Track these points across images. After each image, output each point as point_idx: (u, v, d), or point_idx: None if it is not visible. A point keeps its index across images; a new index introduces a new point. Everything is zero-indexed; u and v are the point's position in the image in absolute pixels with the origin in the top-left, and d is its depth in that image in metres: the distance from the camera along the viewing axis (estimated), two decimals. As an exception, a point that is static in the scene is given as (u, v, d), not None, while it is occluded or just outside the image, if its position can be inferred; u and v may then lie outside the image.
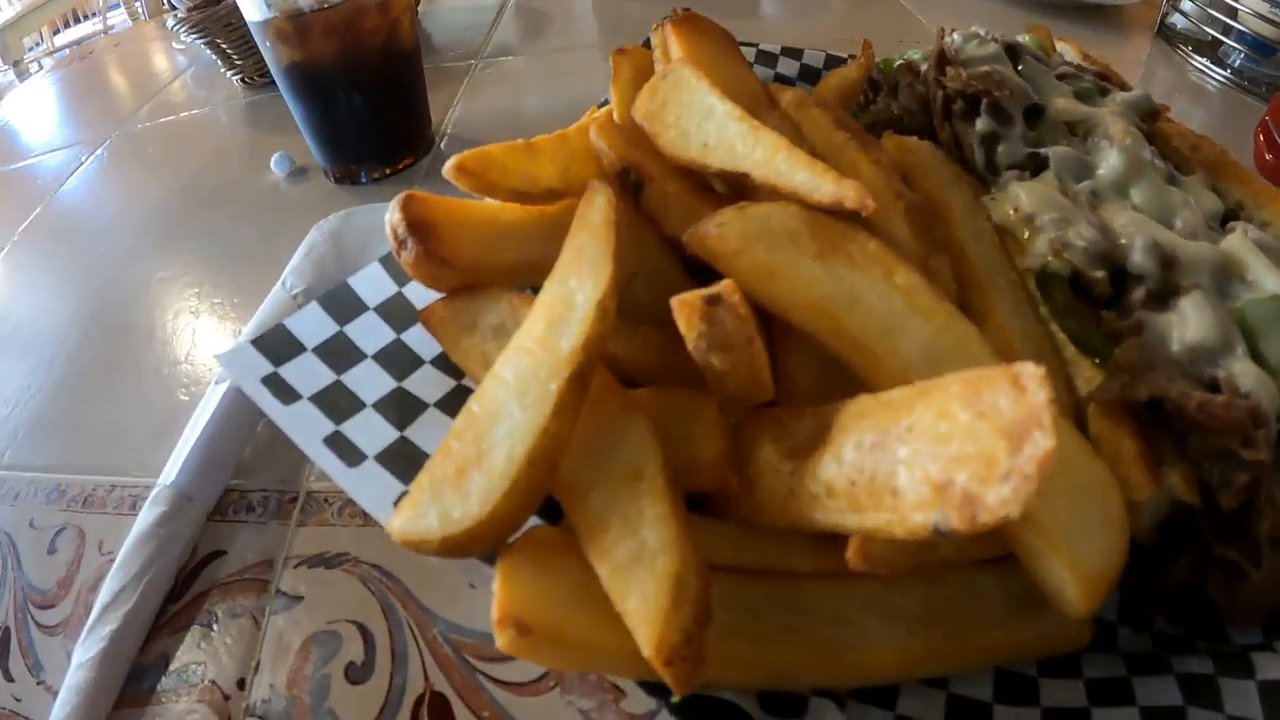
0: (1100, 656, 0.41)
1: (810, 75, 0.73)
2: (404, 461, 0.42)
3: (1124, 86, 0.64)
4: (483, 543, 0.34)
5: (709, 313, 0.33)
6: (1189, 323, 0.44)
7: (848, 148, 0.47)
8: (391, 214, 0.44)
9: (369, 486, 0.40)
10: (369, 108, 0.78)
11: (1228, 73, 1.07)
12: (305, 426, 0.41)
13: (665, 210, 0.46)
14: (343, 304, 0.47)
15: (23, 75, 1.58)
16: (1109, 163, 0.54)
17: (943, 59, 0.57)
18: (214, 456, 0.58)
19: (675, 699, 0.33)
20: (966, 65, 0.58)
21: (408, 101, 0.84)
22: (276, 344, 0.44)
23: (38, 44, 2.03)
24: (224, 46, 1.05)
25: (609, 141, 0.48)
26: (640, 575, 0.31)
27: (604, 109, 0.58)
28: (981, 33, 0.63)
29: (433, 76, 1.02)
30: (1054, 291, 0.47)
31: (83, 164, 1.10)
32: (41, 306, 0.85)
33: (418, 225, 0.44)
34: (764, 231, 0.39)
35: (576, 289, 0.37)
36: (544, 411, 0.34)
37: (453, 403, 0.45)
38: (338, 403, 0.43)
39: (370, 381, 0.45)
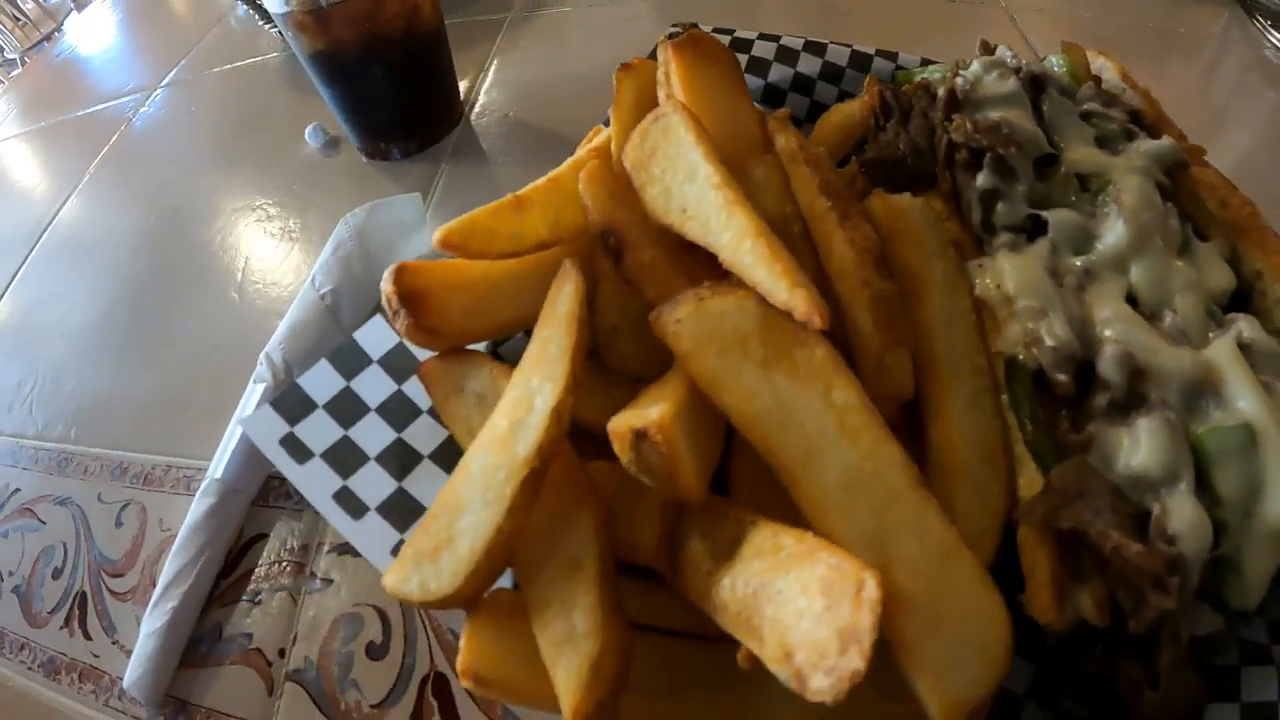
0: None
1: (833, 75, 0.73)
2: (400, 512, 0.51)
3: (1157, 124, 0.62)
4: (454, 605, 0.43)
5: (636, 444, 0.39)
6: (1140, 447, 0.45)
7: (826, 219, 0.50)
8: (385, 284, 0.51)
9: (370, 537, 0.50)
10: (394, 89, 0.83)
11: None
12: (316, 484, 0.51)
13: (642, 279, 0.50)
14: (349, 359, 0.55)
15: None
16: (1113, 235, 0.53)
17: (952, 101, 0.57)
18: (255, 450, 0.69)
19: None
20: (980, 106, 0.57)
21: (433, 80, 0.88)
22: (292, 404, 0.53)
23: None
24: (257, 1, 1.09)
25: (593, 197, 0.52)
26: (568, 652, 0.40)
27: (603, 135, 0.61)
28: (1007, 57, 0.62)
29: (464, 31, 1.05)
30: (1017, 385, 0.49)
31: (131, 120, 1.19)
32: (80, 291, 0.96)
33: (408, 297, 0.50)
34: (716, 333, 0.43)
35: (536, 390, 0.44)
36: (499, 511, 0.41)
37: (444, 454, 0.53)
38: (344, 459, 0.52)
39: (373, 434, 0.53)
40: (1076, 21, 1.08)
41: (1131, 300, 0.53)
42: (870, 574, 0.32)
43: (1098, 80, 0.68)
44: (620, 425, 0.40)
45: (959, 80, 0.58)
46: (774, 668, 0.33)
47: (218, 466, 0.68)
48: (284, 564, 0.67)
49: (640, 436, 0.39)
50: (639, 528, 0.44)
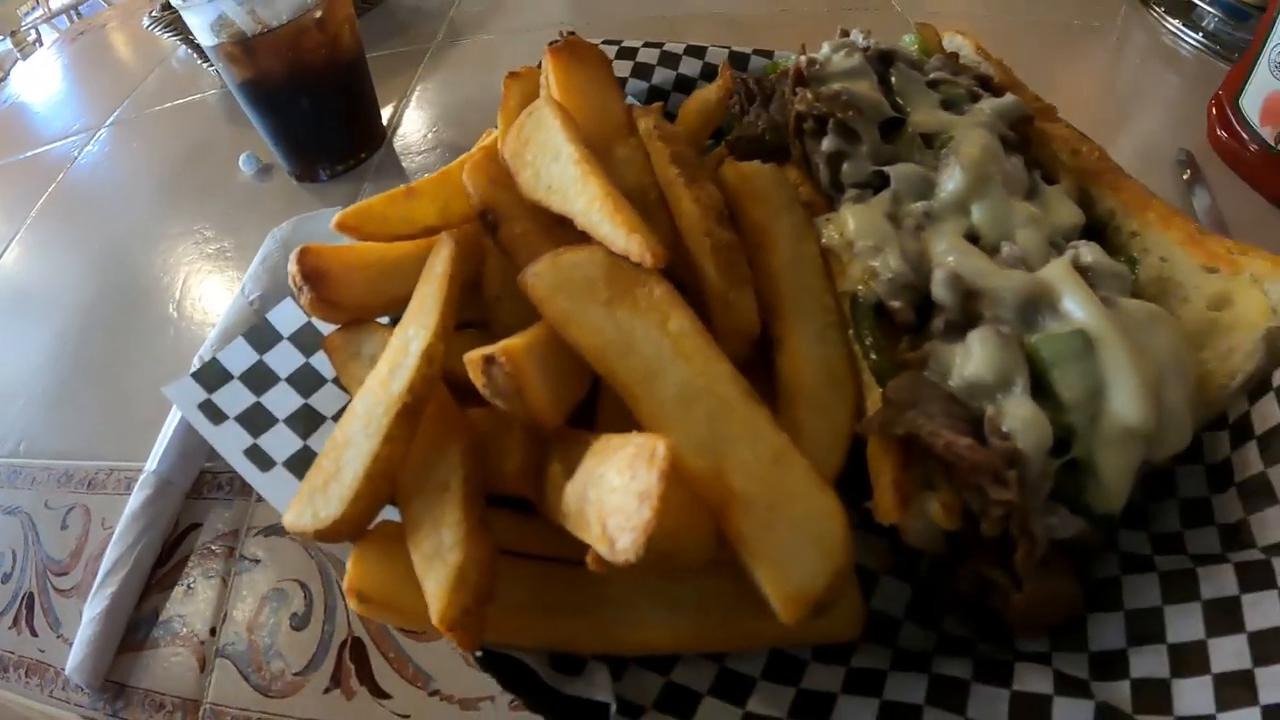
0: (873, 649, 0.51)
1: (713, 74, 0.81)
2: (305, 465, 0.57)
3: (1008, 87, 0.70)
4: (344, 534, 0.50)
5: (486, 369, 0.46)
6: (971, 357, 0.49)
7: (676, 184, 0.58)
8: (290, 265, 0.59)
9: (277, 487, 0.57)
10: (318, 115, 0.92)
11: (1200, 36, 1.09)
12: (229, 441, 0.58)
13: (515, 248, 0.58)
14: (263, 337, 0.63)
15: (22, 46, 1.76)
16: (952, 181, 0.59)
17: (799, 77, 0.66)
18: (189, 446, 0.76)
19: (479, 655, 0.49)
20: (827, 80, 0.66)
21: (355, 105, 0.98)
22: (210, 375, 0.61)
23: (35, 8, 2.20)
24: (196, 42, 1.20)
25: (474, 182, 0.60)
26: (436, 565, 0.46)
27: (492, 136, 0.70)
28: (859, 38, 0.71)
29: (389, 61, 1.15)
30: (860, 318, 0.56)
31: (75, 159, 1.29)
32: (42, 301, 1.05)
33: (311, 275, 0.58)
34: (568, 281, 0.51)
35: (412, 338, 0.51)
36: (378, 441, 0.48)
37: (346, 414, 0.61)
38: (255, 421, 0.59)
39: (283, 400, 0.61)
40: (974, 20, 1.20)
41: (974, 239, 0.58)
42: (662, 441, 0.39)
43: (955, 56, 0.78)
44: (474, 354, 0.47)
45: (816, 53, 0.66)
46: (597, 546, 0.39)
47: (154, 461, 0.75)
48: (215, 549, 0.73)
49: (489, 361, 0.46)
50: (506, 458, 0.51)
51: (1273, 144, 0.90)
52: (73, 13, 1.87)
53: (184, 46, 1.35)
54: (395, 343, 0.52)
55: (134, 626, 0.70)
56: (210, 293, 0.94)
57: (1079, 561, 0.51)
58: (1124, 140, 0.99)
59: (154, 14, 1.14)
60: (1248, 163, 0.94)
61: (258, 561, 0.71)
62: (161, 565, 0.74)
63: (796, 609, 0.42)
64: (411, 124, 1.12)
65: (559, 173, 0.57)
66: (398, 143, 1.07)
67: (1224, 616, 0.45)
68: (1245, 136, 0.94)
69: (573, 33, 0.69)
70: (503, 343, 0.47)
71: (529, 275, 0.51)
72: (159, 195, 1.14)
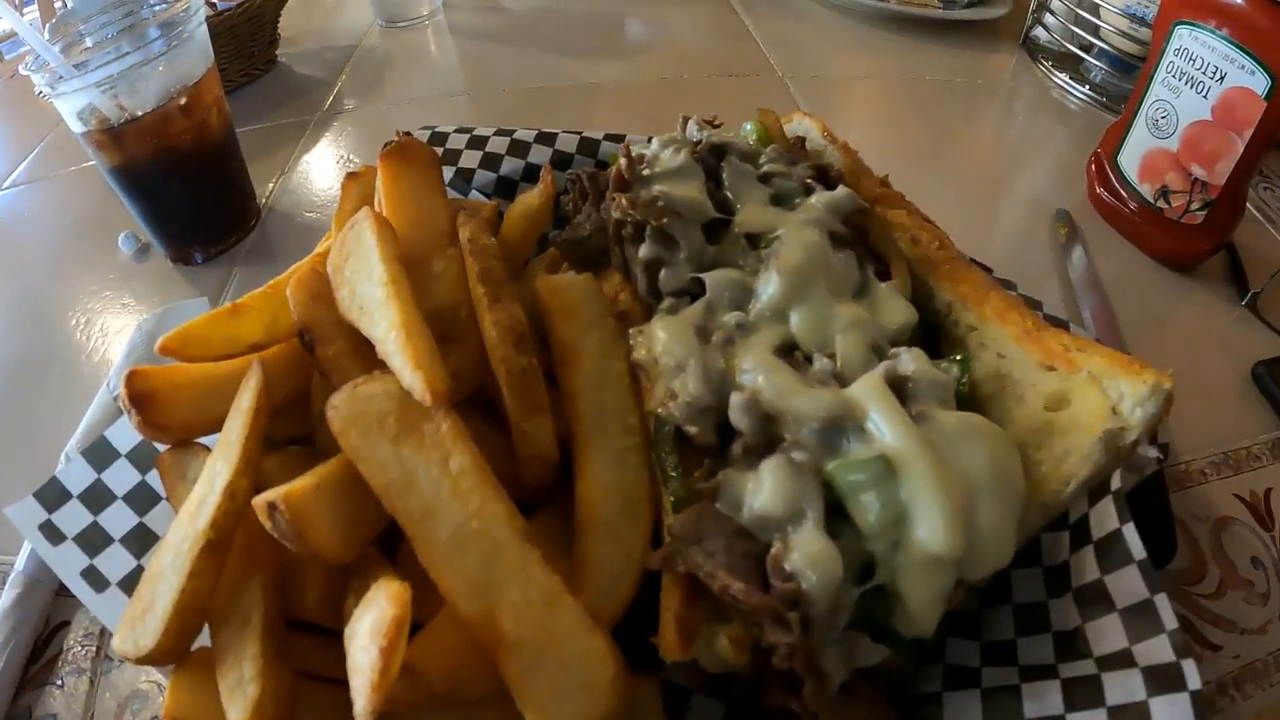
0: None
1: (563, 162, 0.88)
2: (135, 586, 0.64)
3: (851, 174, 0.74)
4: (161, 661, 0.56)
5: (270, 514, 0.52)
6: (761, 488, 0.51)
7: (480, 304, 0.63)
8: (119, 387, 0.65)
9: (111, 608, 0.63)
10: (189, 198, 0.99)
11: (1087, 89, 1.14)
12: (67, 563, 0.64)
13: (329, 370, 0.63)
14: (101, 454, 0.70)
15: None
16: (768, 288, 0.63)
17: (620, 180, 0.71)
18: (57, 544, 0.83)
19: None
20: (652, 181, 0.71)
21: (226, 188, 1.05)
22: (50, 495, 0.68)
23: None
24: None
25: (296, 299, 0.65)
26: (237, 696, 0.52)
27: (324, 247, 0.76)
28: (694, 131, 0.76)
29: (271, 134, 1.21)
30: (660, 440, 0.59)
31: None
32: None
33: (138, 398, 0.64)
34: (362, 415, 0.56)
35: (218, 473, 0.58)
36: (184, 576, 0.55)
37: (179, 534, 0.67)
38: (93, 540, 0.66)
39: (119, 520, 0.67)
40: (854, 83, 1.25)
41: (792, 348, 0.62)
42: (392, 608, 0.45)
43: (801, 141, 0.83)
44: (260, 500, 0.53)
45: (624, 163, 0.71)
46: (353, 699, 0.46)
47: (21, 559, 0.81)
48: (84, 648, 0.79)
49: (272, 509, 0.52)
50: (307, 590, 0.58)
51: (1152, 201, 0.96)
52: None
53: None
54: (205, 474, 0.59)
55: (9, 723, 0.76)
56: (85, 380, 0.99)
57: (895, 683, 0.54)
58: (1008, 198, 1.05)
59: (38, 90, 1.19)
60: (1128, 219, 1.00)
61: (121, 663, 0.78)
62: (34, 662, 0.80)
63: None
64: (289, 202, 1.19)
65: (369, 294, 0.62)
66: (273, 222, 1.14)
67: None
68: (1124, 194, 1.00)
69: (408, 133, 0.75)
70: (287, 486, 0.53)
71: (329, 407, 0.57)
72: (47, 269, 1.19)
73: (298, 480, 0.54)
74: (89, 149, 0.95)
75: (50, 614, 0.82)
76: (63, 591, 0.83)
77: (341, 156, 1.26)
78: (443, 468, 0.55)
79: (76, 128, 0.92)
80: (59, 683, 0.79)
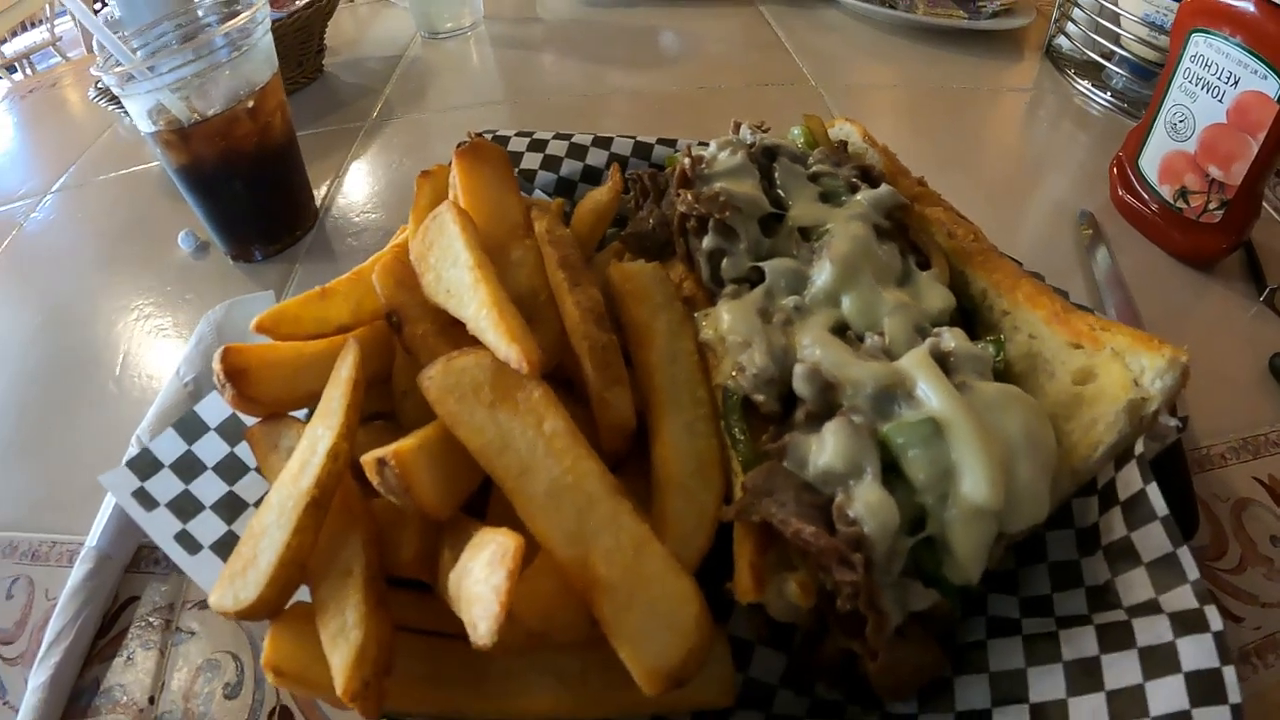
0: (749, 714, 0.60)
1: (619, 164, 0.94)
2: (229, 549, 0.68)
3: (890, 175, 0.82)
4: (261, 614, 0.61)
5: (379, 470, 0.57)
6: (825, 448, 0.57)
7: (561, 288, 0.69)
8: (215, 364, 0.70)
9: (204, 570, 0.68)
10: (252, 198, 1.05)
11: (1109, 95, 1.22)
12: (160, 527, 0.69)
13: (417, 349, 0.69)
14: (191, 427, 0.75)
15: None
16: (822, 275, 0.70)
17: (683, 178, 0.78)
18: (126, 522, 0.87)
19: (380, 720, 0.60)
20: (711, 179, 0.78)
21: (286, 189, 1.11)
22: (143, 465, 0.72)
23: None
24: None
25: (383, 284, 0.71)
26: (340, 643, 0.57)
27: (405, 234, 0.82)
28: (747, 134, 0.83)
29: (323, 140, 1.28)
30: (730, 410, 0.66)
31: (21, 226, 1.40)
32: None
33: (233, 373, 0.69)
34: (456, 384, 0.62)
35: (320, 437, 0.63)
36: (289, 532, 0.59)
37: (267, 502, 0.72)
38: (184, 508, 0.71)
39: (209, 488, 0.72)
40: (884, 91, 1.33)
41: (844, 329, 0.68)
42: (513, 543, 0.50)
43: (844, 144, 0.90)
44: (369, 456, 0.58)
45: (688, 162, 0.78)
46: (467, 629, 0.51)
47: (94, 536, 0.86)
48: (153, 622, 0.84)
49: (382, 464, 0.58)
50: (402, 546, 0.63)
51: (1172, 202, 1.03)
52: (24, 62, 1.97)
53: (126, 115, 1.47)
54: (305, 440, 0.64)
55: (76, 695, 0.80)
56: (148, 370, 1.05)
57: (944, 628, 0.58)
58: (1034, 200, 1.12)
59: (99, 86, 1.26)
60: (1149, 220, 1.06)
61: (193, 634, 0.82)
62: (102, 636, 0.84)
63: (655, 682, 0.52)
64: (344, 203, 1.25)
65: (456, 278, 0.68)
66: (330, 222, 1.20)
67: (1084, 676, 0.51)
68: (1145, 196, 1.06)
69: (480, 134, 0.81)
70: (395, 445, 0.59)
71: (423, 378, 0.63)
72: (101, 267, 1.25)
73: (402, 440, 0.59)
74: (156, 148, 1.01)
75: (119, 590, 0.87)
76: (132, 567, 0.89)
77: (392, 162, 1.33)
78: (537, 429, 0.60)
79: (145, 127, 0.98)
80: (127, 656, 0.83)
